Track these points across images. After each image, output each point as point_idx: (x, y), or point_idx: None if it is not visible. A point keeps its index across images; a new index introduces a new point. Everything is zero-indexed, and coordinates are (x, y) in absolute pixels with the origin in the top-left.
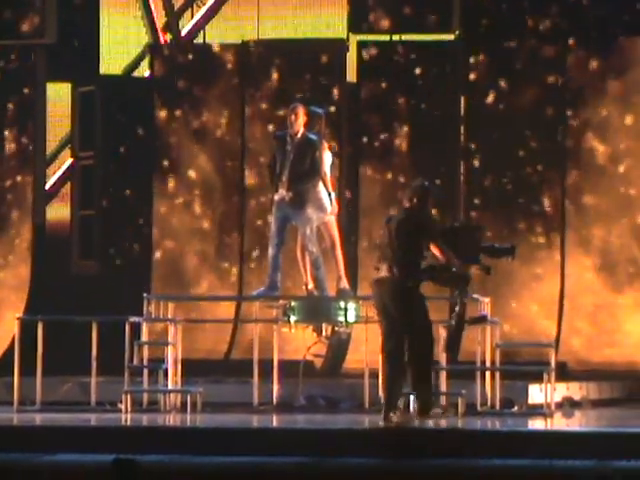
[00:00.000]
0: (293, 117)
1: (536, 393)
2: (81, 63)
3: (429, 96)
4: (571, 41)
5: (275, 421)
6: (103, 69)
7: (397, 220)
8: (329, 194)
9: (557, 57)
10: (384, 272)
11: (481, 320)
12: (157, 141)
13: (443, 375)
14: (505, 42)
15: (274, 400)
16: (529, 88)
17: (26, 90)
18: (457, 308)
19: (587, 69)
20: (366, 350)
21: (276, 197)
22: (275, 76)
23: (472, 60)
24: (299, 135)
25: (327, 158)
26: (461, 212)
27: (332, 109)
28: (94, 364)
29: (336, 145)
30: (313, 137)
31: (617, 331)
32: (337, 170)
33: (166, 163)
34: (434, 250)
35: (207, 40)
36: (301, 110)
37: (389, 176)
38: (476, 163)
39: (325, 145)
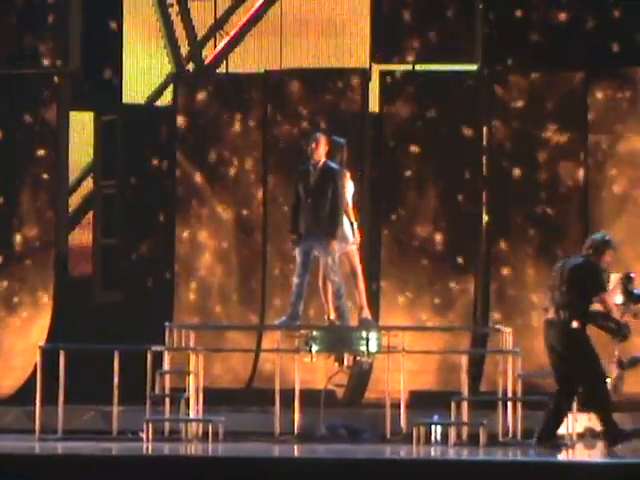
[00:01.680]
0: (314, 146)
1: None
2: (104, 92)
3: (452, 125)
4: (594, 71)
5: (296, 451)
6: (126, 98)
7: (570, 265)
8: (351, 224)
9: (580, 88)
10: (551, 314)
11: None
12: (179, 169)
13: (465, 405)
14: (528, 72)
15: (295, 430)
16: (551, 118)
17: (49, 118)
18: (617, 353)
19: (611, 99)
20: (387, 380)
21: (300, 228)
22: (297, 105)
23: (495, 90)
24: (320, 164)
25: (349, 187)
26: (484, 241)
27: (354, 138)
28: (116, 393)
29: (360, 171)
30: (334, 166)
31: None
32: (360, 199)
33: (188, 193)
34: (600, 300)
35: (230, 69)
36: (322, 139)
37: (412, 205)
38: (498, 193)
39: (347, 174)
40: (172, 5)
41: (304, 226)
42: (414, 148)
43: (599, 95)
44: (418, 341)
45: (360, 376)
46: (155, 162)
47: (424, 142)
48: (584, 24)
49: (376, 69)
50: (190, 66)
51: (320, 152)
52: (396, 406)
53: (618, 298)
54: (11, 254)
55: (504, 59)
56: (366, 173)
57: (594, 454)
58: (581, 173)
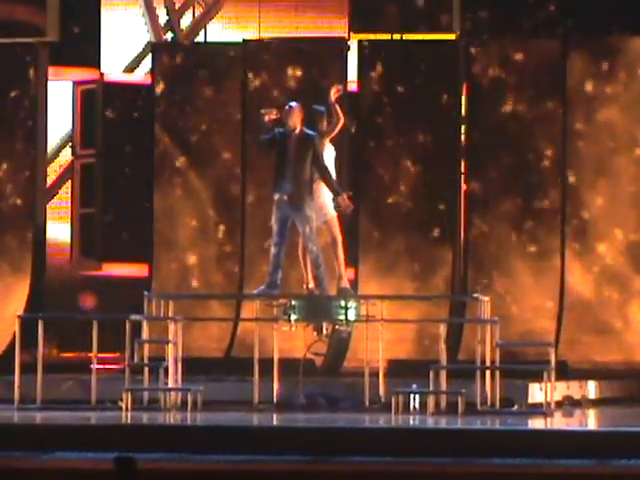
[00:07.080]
0: (287, 115)
1: (536, 392)
2: (83, 61)
3: (430, 96)
4: (572, 37)
5: (275, 420)
6: (104, 67)
7: None
8: (337, 192)
9: (557, 53)
10: None
11: None
12: (158, 139)
13: (443, 374)
14: (506, 41)
15: (274, 399)
16: (531, 86)
17: (28, 88)
18: None
19: (588, 67)
20: (366, 349)
21: (276, 196)
22: (276, 75)
23: (473, 59)
24: (297, 132)
25: (330, 155)
26: (462, 208)
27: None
28: (95, 362)
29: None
30: (311, 133)
31: (617, 330)
32: (339, 168)
33: (167, 161)
34: None
35: (208, 39)
36: (296, 109)
37: (388, 174)
38: (477, 161)
39: (328, 143)
40: None
41: (280, 194)
42: (392, 118)
43: (578, 58)
44: (397, 310)
45: (339, 345)
46: (134, 131)
47: (402, 112)
48: None
49: (354, 38)
50: (168, 35)
51: (295, 120)
52: (375, 375)
53: None
54: None
55: (482, 27)
56: (345, 143)
57: (572, 422)
58: (562, 137)
